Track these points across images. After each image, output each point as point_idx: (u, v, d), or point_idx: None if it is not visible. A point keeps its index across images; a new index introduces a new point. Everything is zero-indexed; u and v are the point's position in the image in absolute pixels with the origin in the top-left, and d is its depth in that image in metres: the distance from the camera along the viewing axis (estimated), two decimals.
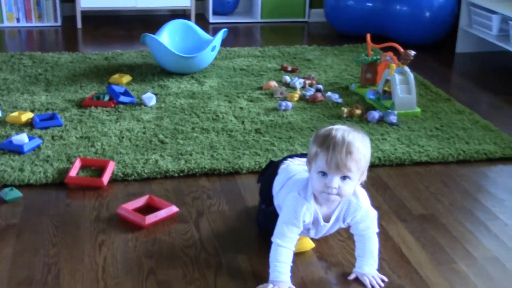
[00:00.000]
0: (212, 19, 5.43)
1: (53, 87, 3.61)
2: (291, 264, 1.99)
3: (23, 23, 5.13)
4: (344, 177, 1.88)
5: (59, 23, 5.16)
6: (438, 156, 2.89)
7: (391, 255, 2.18)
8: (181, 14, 5.58)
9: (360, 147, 1.88)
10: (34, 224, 2.31)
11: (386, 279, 2.04)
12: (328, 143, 1.86)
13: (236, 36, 5.04)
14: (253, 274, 2.05)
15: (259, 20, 5.50)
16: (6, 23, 5.10)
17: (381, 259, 2.10)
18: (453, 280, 2.05)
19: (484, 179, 2.76)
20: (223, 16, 5.55)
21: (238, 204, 2.49)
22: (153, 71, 3.92)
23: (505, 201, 2.57)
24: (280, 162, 2.25)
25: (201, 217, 2.39)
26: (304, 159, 2.09)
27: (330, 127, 1.93)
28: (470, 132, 3.14)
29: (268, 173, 2.26)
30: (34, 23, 5.14)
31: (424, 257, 2.17)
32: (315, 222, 2.01)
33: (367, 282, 2.02)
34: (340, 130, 1.89)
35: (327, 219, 2.02)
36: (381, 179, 2.71)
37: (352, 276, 2.05)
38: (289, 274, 1.98)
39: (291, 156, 2.29)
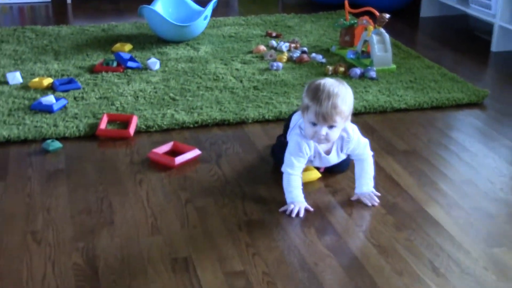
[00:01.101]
0: None
1: (62, 56, 3.93)
2: (301, 187, 2.41)
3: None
4: (331, 126, 2.30)
5: None
6: (415, 103, 3.34)
7: (385, 181, 2.62)
8: None
9: (345, 98, 2.29)
10: (78, 168, 2.68)
11: (379, 194, 2.47)
12: (317, 98, 2.27)
13: (217, 8, 5.38)
14: (273, 199, 2.47)
15: None
16: None
17: (376, 184, 2.53)
18: (436, 197, 2.50)
19: (455, 121, 3.23)
20: None
21: (249, 148, 2.89)
22: (151, 40, 4.27)
23: (473, 137, 3.03)
24: None
25: (220, 158, 2.79)
26: None
27: (319, 81, 2.33)
28: (440, 83, 3.60)
29: (291, 113, 2.70)
30: None
31: (411, 181, 2.62)
32: (317, 155, 2.45)
33: (366, 201, 2.45)
34: (327, 85, 2.29)
35: (327, 153, 2.45)
36: (368, 124, 3.14)
37: (354, 197, 2.48)
38: (302, 195, 2.41)
39: None
